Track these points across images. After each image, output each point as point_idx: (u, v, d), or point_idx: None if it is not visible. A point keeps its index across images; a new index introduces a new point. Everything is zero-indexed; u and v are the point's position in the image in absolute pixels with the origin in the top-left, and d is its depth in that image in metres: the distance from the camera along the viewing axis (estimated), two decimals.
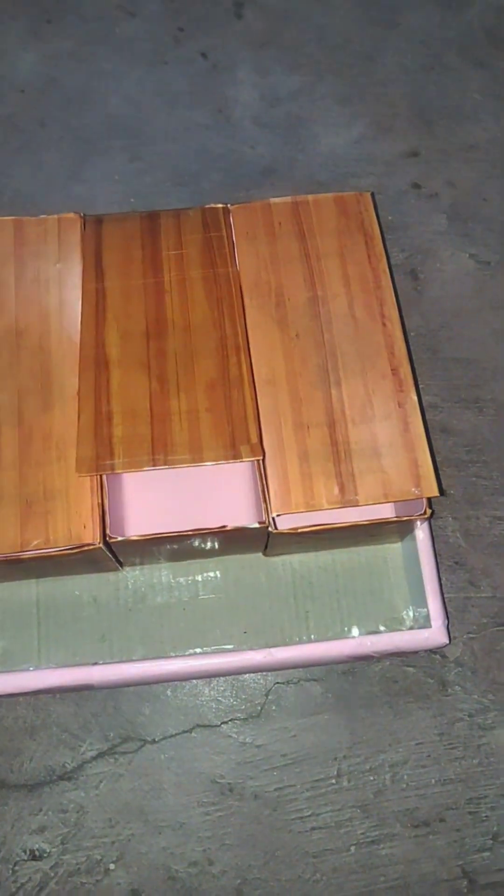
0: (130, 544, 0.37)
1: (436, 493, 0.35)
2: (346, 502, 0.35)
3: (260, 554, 0.44)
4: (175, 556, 0.43)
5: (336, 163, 0.54)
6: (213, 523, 0.39)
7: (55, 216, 0.42)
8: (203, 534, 0.37)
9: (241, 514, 0.41)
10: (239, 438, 0.36)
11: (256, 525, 0.37)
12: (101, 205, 0.52)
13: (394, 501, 0.36)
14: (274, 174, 0.54)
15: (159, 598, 0.43)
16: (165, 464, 0.35)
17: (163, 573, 0.44)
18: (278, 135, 0.55)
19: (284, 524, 0.37)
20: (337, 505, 0.35)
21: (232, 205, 0.43)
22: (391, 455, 0.36)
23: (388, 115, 0.55)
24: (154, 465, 0.35)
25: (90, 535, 0.36)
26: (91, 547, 0.36)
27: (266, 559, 0.44)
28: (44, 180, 0.53)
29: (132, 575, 0.44)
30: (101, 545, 0.36)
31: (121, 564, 0.42)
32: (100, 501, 0.36)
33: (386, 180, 0.54)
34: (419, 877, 0.41)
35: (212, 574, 0.44)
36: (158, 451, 0.36)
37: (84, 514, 0.36)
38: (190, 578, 0.44)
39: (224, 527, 0.38)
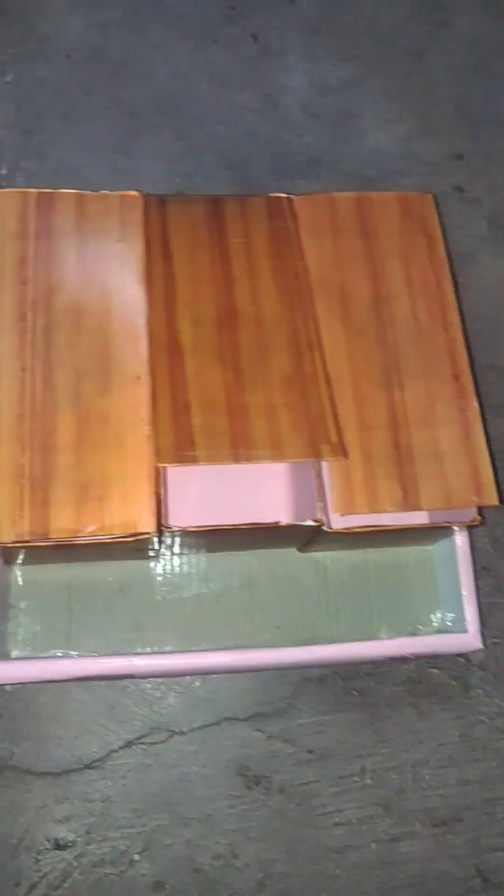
0: (183, 535, 0.37)
1: (496, 502, 0.36)
2: (409, 506, 0.35)
3: (293, 549, 0.44)
4: (211, 548, 0.43)
5: (381, 159, 0.54)
6: (254, 517, 0.38)
7: (117, 193, 0.40)
8: (255, 528, 0.37)
9: (287, 510, 0.41)
10: (319, 437, 0.35)
11: (311, 523, 0.37)
12: (147, 182, 0.51)
13: (455, 508, 0.36)
14: (320, 165, 0.53)
15: (193, 588, 0.43)
16: (247, 459, 0.35)
17: (197, 564, 0.43)
18: (326, 125, 0.54)
19: (338, 524, 0.37)
20: (399, 508, 0.35)
21: (294, 195, 0.42)
22: (452, 461, 0.36)
23: (434, 115, 0.55)
24: (236, 460, 0.34)
25: (146, 524, 0.35)
26: (146, 535, 0.35)
27: (299, 554, 0.44)
28: (89, 151, 0.51)
29: (168, 565, 0.43)
30: (155, 534, 0.35)
31: (158, 553, 0.42)
32: (156, 489, 0.36)
33: (429, 181, 0.54)
34: (435, 874, 0.42)
35: (245, 567, 0.44)
36: (239, 446, 0.35)
37: (140, 502, 0.35)
38: (223, 570, 0.44)
39: (277, 523, 0.37)
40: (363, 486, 0.35)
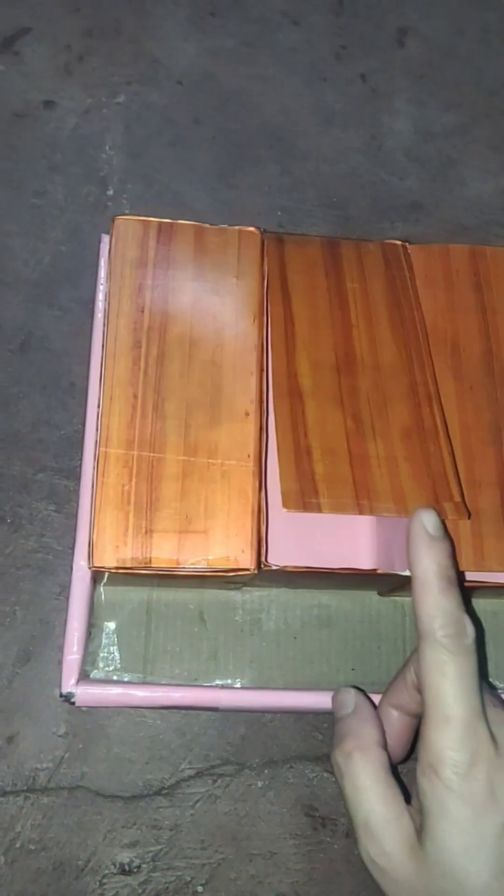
0: (281, 574, 0.37)
1: None
2: None
3: (374, 592, 0.44)
4: (294, 585, 0.43)
5: (482, 209, 0.54)
6: (346, 561, 0.39)
7: (236, 228, 0.41)
8: (351, 573, 0.37)
9: (379, 557, 0.41)
10: (442, 494, 0.35)
11: (407, 573, 0.37)
12: (248, 213, 0.51)
13: None
14: (420, 210, 0.53)
15: (272, 623, 0.43)
16: (371, 511, 0.35)
17: (277, 598, 0.44)
18: (428, 171, 0.54)
19: None
20: None
21: (409, 243, 0.42)
22: None
23: None
24: (360, 511, 0.34)
25: (247, 561, 0.35)
26: (247, 572, 0.35)
27: (379, 598, 0.44)
28: (193, 179, 0.52)
29: (248, 597, 0.43)
30: (256, 571, 0.35)
31: (244, 585, 0.42)
32: (258, 526, 0.36)
33: None
34: None
35: (325, 606, 0.44)
36: (363, 497, 0.35)
37: (243, 538, 0.36)
38: (303, 607, 0.44)
39: (375, 570, 0.38)
40: (470, 543, 0.35)
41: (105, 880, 0.40)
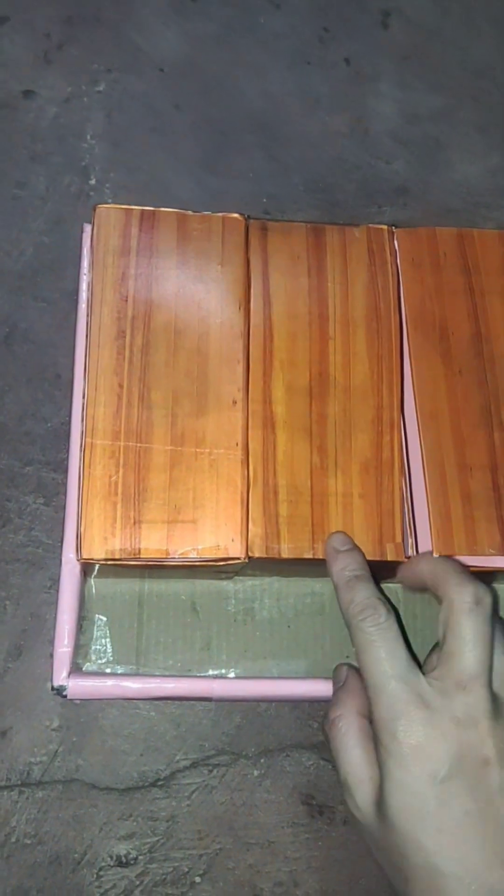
0: (272, 562, 0.37)
1: None
2: None
3: None
4: (286, 573, 0.43)
5: (469, 191, 0.54)
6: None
7: (219, 214, 0.40)
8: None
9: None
10: (385, 535, 0.36)
11: (400, 559, 0.37)
12: (234, 200, 0.51)
13: None
14: (407, 194, 0.53)
15: (265, 612, 0.43)
16: (322, 554, 0.35)
17: (270, 587, 0.43)
18: (414, 154, 0.54)
19: None
20: (499, 552, 0.34)
21: (395, 227, 0.42)
22: None
23: None
24: (314, 555, 0.35)
25: (237, 550, 0.35)
26: (237, 561, 0.35)
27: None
28: (177, 166, 0.52)
29: (241, 586, 0.43)
30: (246, 560, 0.35)
31: (236, 574, 0.42)
32: (247, 515, 0.36)
33: None
34: None
35: (318, 594, 0.44)
36: (317, 539, 0.35)
37: (232, 527, 0.35)
38: (296, 596, 0.43)
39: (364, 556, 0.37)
40: (462, 527, 0.35)
41: (102, 873, 0.40)
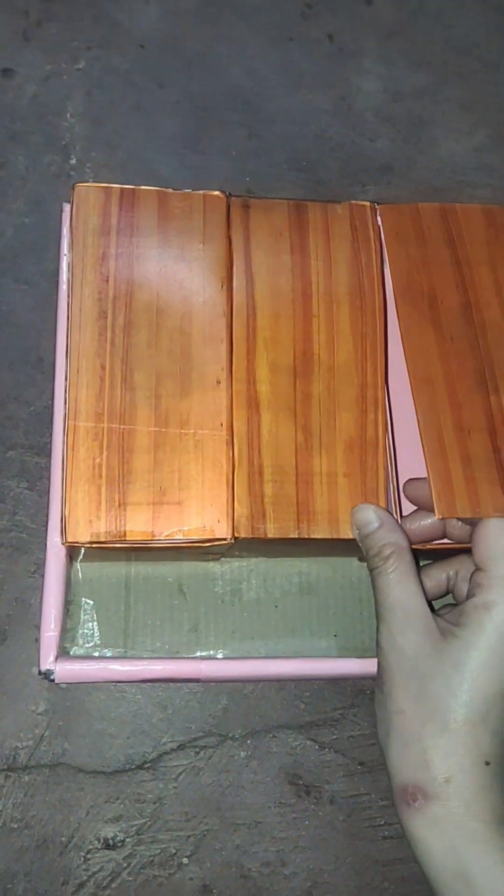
0: (258, 542, 0.36)
1: None
2: None
3: (355, 558, 0.44)
4: (273, 554, 0.43)
5: (454, 169, 0.53)
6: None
7: (201, 193, 0.40)
8: (329, 539, 0.37)
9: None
10: None
11: None
12: (217, 178, 0.50)
13: None
14: (391, 172, 0.52)
15: (253, 593, 0.43)
16: (308, 534, 0.35)
17: (257, 568, 0.43)
18: (399, 132, 0.53)
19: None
20: (503, 514, 0.34)
21: (378, 203, 0.42)
22: None
23: None
24: (299, 535, 0.35)
25: (223, 530, 0.35)
26: (223, 542, 0.35)
27: (359, 563, 0.44)
28: (159, 144, 0.51)
29: (228, 567, 0.43)
30: (233, 541, 0.35)
31: (222, 556, 0.41)
32: (233, 496, 0.35)
33: (501, 193, 0.53)
34: None
35: (305, 573, 0.43)
36: (303, 520, 0.35)
37: (218, 507, 0.35)
38: (283, 576, 0.43)
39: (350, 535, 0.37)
40: (464, 488, 0.34)
41: (89, 856, 0.40)
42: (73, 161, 0.50)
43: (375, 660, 0.40)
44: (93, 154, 0.50)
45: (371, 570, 0.35)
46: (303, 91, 0.53)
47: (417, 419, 0.35)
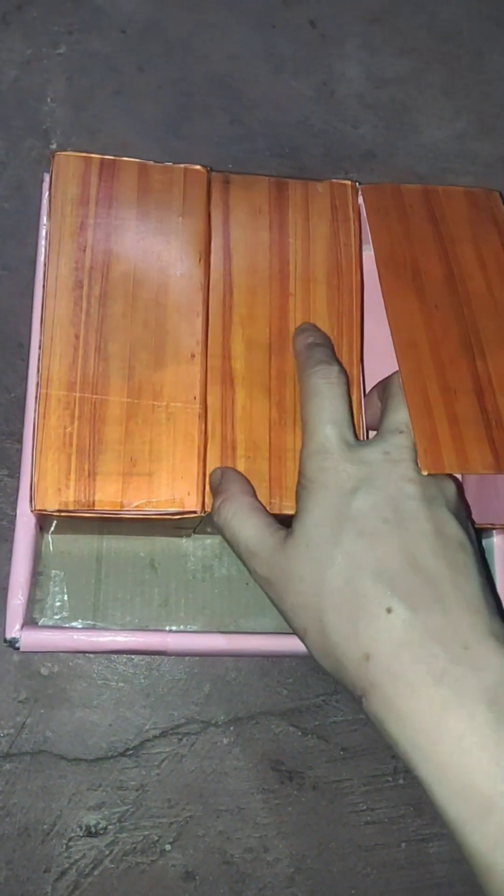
0: None
1: None
2: (501, 469, 0.34)
3: None
4: None
5: (436, 156, 0.53)
6: (290, 505, 0.37)
7: (182, 166, 0.39)
8: None
9: None
10: None
11: None
12: (199, 164, 0.50)
13: None
14: (374, 159, 0.52)
15: (224, 570, 0.42)
16: (280, 510, 0.34)
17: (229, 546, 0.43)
18: (381, 118, 0.53)
19: None
20: (492, 471, 0.33)
21: (360, 183, 0.41)
22: None
23: (492, 115, 0.55)
24: (271, 510, 0.34)
25: (193, 503, 0.34)
26: (193, 515, 0.34)
27: None
28: (140, 130, 0.51)
29: (199, 544, 0.42)
30: (203, 514, 0.34)
31: (194, 531, 0.41)
32: (204, 469, 0.35)
33: (483, 180, 0.53)
34: (463, 875, 0.42)
35: None
36: (275, 495, 0.35)
37: (188, 480, 0.34)
38: None
39: None
40: (451, 446, 0.33)
41: (71, 843, 0.39)
42: (54, 146, 0.50)
43: None
44: (73, 139, 0.50)
45: (216, 527, 0.35)
46: (285, 77, 0.53)
47: (402, 381, 0.35)
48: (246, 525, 0.32)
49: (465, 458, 0.33)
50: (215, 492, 0.35)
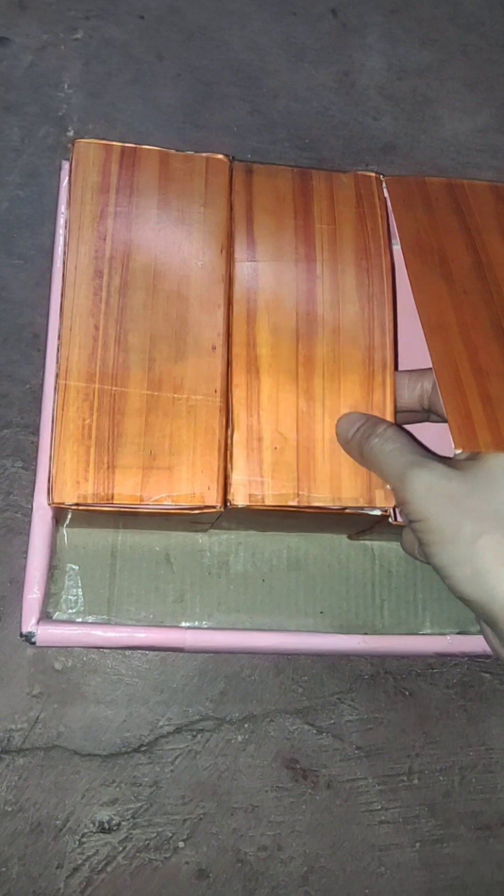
0: (248, 513, 0.35)
1: None
2: None
3: (344, 535, 0.43)
4: (262, 527, 0.42)
5: (458, 150, 0.52)
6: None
7: (203, 155, 0.39)
8: (320, 512, 0.36)
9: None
10: (375, 480, 0.34)
11: (378, 512, 0.35)
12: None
13: None
14: (394, 152, 0.52)
15: (240, 566, 0.42)
16: (308, 502, 0.34)
17: (245, 541, 0.42)
18: (402, 110, 0.52)
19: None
20: None
21: (385, 176, 0.41)
22: None
23: None
24: (298, 503, 0.34)
25: (213, 498, 0.34)
26: (213, 510, 0.34)
27: (347, 540, 0.43)
28: (158, 118, 0.50)
29: (216, 539, 0.42)
30: (222, 509, 0.34)
31: (211, 526, 0.40)
32: (225, 464, 0.34)
33: None
34: (477, 878, 0.41)
35: (294, 549, 0.43)
36: (303, 487, 0.34)
37: (209, 475, 0.34)
38: (271, 550, 0.42)
39: (343, 509, 0.36)
40: (485, 425, 0.33)
41: (84, 839, 0.39)
42: (70, 133, 0.49)
43: (360, 636, 0.39)
44: (90, 126, 0.49)
45: (366, 452, 0.34)
46: (306, 67, 0.52)
47: (432, 362, 0.34)
48: (398, 446, 0.33)
49: (501, 436, 0.32)
50: (359, 433, 0.34)
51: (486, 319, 0.36)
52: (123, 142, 0.49)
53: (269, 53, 0.52)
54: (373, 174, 0.40)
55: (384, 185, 0.40)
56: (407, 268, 0.37)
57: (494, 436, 0.32)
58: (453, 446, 0.32)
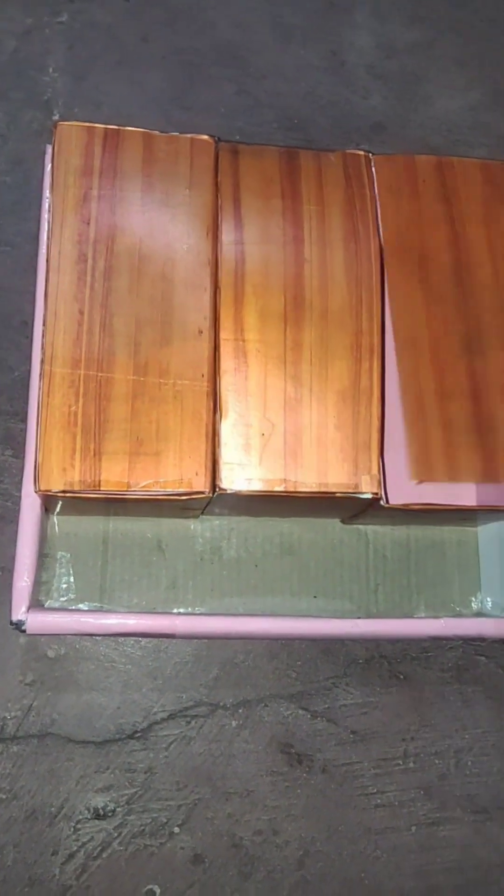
0: (239, 498, 0.35)
1: None
2: (489, 478, 0.33)
3: (337, 520, 0.43)
4: (254, 512, 0.41)
5: (449, 128, 0.52)
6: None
7: (188, 136, 0.38)
8: (310, 497, 0.35)
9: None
10: (361, 467, 0.34)
11: (369, 496, 0.35)
12: None
13: None
14: (384, 131, 0.51)
15: (233, 551, 0.41)
16: (295, 488, 0.34)
17: (238, 527, 0.42)
18: (392, 89, 0.52)
19: (395, 499, 0.35)
20: (479, 479, 0.33)
21: (374, 154, 0.40)
22: None
23: None
24: (286, 488, 0.34)
25: (201, 483, 0.33)
26: (201, 496, 0.34)
27: (341, 524, 0.43)
28: (144, 100, 0.49)
29: (208, 525, 0.41)
30: (211, 494, 0.34)
31: (202, 513, 0.40)
32: (213, 449, 0.34)
33: (497, 153, 0.52)
34: (474, 861, 0.41)
35: (287, 534, 0.42)
36: (290, 472, 0.34)
37: (197, 460, 0.34)
38: (264, 536, 0.42)
39: (333, 493, 0.36)
40: (442, 453, 0.33)
41: (79, 826, 0.39)
42: (56, 117, 0.48)
43: (354, 620, 0.39)
44: (76, 110, 0.49)
45: None
46: (294, 46, 0.52)
47: (399, 384, 0.34)
48: None
49: (456, 466, 0.33)
50: None
51: (457, 332, 0.36)
52: (108, 124, 0.49)
53: (256, 33, 0.51)
54: (362, 153, 0.40)
55: (373, 164, 0.40)
56: (387, 272, 0.37)
57: (449, 466, 0.33)
58: (409, 476, 0.32)
